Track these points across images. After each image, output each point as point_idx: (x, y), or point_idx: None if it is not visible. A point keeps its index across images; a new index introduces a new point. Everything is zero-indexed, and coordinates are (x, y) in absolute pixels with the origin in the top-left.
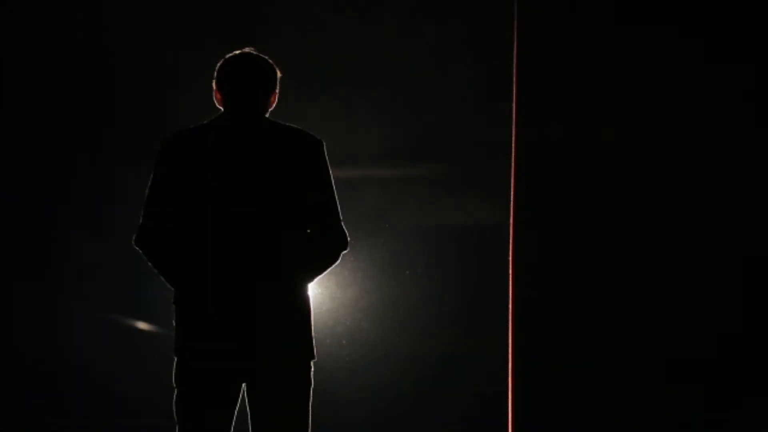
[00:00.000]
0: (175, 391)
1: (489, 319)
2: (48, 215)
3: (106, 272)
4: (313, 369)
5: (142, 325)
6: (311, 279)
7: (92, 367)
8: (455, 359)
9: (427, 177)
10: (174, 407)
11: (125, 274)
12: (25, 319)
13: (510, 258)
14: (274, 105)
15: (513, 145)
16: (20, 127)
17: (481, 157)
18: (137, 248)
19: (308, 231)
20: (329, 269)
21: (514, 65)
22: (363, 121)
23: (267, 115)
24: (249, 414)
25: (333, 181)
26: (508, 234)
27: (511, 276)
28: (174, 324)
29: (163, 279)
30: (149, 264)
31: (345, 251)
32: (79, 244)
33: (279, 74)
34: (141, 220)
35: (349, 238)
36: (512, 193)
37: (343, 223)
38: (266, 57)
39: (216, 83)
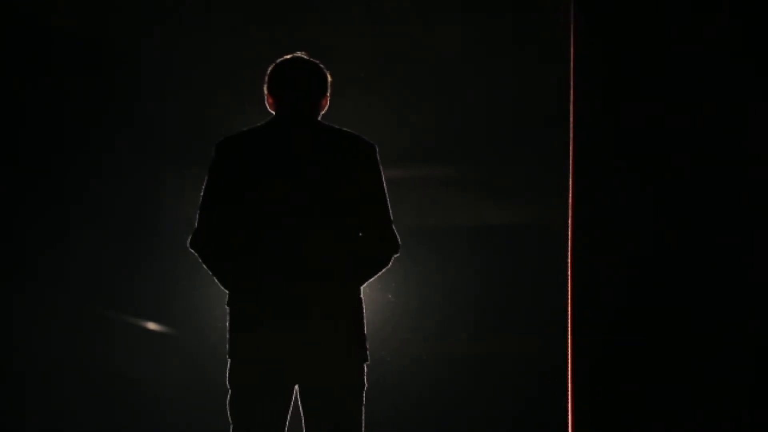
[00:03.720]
0: (229, 392)
1: (500, 319)
2: (50, 215)
3: (113, 272)
4: (366, 371)
5: (152, 326)
6: (363, 282)
7: (100, 369)
8: (470, 359)
9: (435, 177)
10: (228, 408)
11: (137, 275)
12: (32, 320)
13: (569, 258)
14: (325, 109)
15: (571, 142)
16: (19, 126)
17: (493, 157)
18: (192, 251)
19: (360, 234)
20: (381, 273)
21: (571, 62)
22: (368, 121)
23: (319, 119)
24: (302, 416)
25: (385, 186)
26: (522, 234)
27: (570, 277)
28: (227, 326)
29: (216, 281)
30: (204, 267)
31: (396, 255)
32: (87, 244)
33: (330, 78)
34: (196, 223)
35: (400, 242)
36: (570, 192)
37: (394, 227)
38: (317, 61)
39: (267, 87)
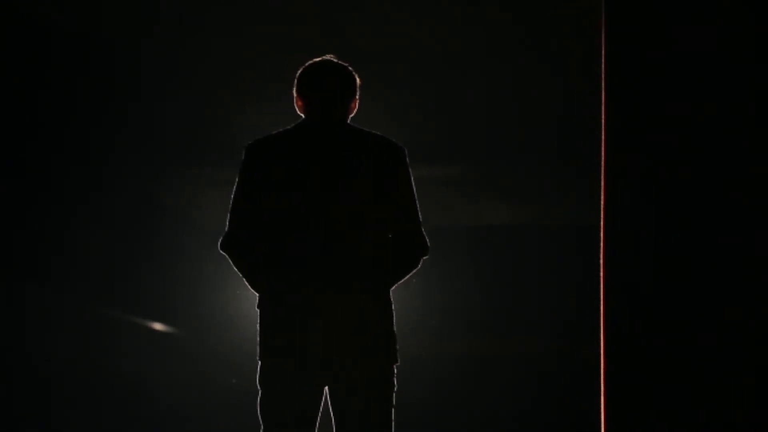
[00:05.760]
0: (260, 393)
1: (500, 319)
2: (50, 215)
3: (115, 272)
4: (396, 372)
5: (158, 326)
6: (392, 284)
7: (103, 368)
8: (469, 359)
9: (435, 177)
10: (258, 408)
11: (139, 275)
12: (33, 320)
13: (601, 260)
14: (354, 111)
15: (603, 144)
16: (19, 127)
17: (493, 157)
18: (223, 253)
19: (390, 236)
20: (410, 275)
21: (603, 57)
22: (368, 122)
23: (348, 122)
24: (332, 417)
25: (414, 188)
26: (531, 234)
27: (602, 277)
28: (258, 328)
29: (246, 283)
30: (234, 268)
31: (425, 257)
32: (88, 244)
33: (359, 81)
34: (227, 226)
35: (429, 244)
36: (602, 192)
37: (423, 230)
38: (346, 64)
39: (297, 90)
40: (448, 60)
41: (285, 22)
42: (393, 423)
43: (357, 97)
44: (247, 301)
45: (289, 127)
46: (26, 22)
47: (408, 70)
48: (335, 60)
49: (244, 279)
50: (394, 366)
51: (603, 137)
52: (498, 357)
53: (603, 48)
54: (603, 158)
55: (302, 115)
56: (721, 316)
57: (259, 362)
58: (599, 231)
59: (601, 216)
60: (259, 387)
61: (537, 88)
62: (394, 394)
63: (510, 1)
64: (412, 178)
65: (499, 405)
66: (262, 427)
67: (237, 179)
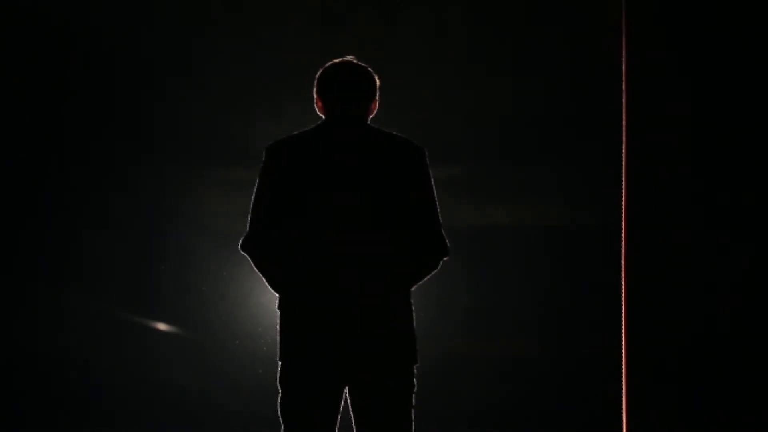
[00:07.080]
0: (280, 394)
1: (501, 320)
2: (57, 213)
3: (121, 271)
4: (415, 373)
5: (161, 326)
6: (412, 285)
7: (110, 369)
8: (469, 359)
9: (436, 178)
10: (279, 409)
11: (146, 275)
12: (44, 319)
13: (623, 260)
14: (374, 112)
15: (624, 146)
16: (23, 123)
17: (495, 158)
18: (243, 253)
19: (410, 237)
20: (429, 276)
21: (623, 64)
22: (376, 122)
23: (368, 122)
24: (352, 417)
25: (434, 189)
26: (531, 235)
27: (624, 279)
28: (278, 328)
29: (267, 284)
30: (255, 269)
31: (446, 258)
32: (96, 245)
33: (378, 82)
34: (247, 227)
35: (449, 245)
36: (624, 194)
37: (443, 231)
38: (366, 65)
39: (317, 91)
40: (450, 60)
41: (288, 23)
42: (413, 423)
43: (377, 98)
44: (264, 299)
45: (308, 127)
46: (29, 23)
47: (409, 69)
48: (355, 61)
49: (264, 280)
50: (414, 366)
51: (624, 139)
52: (498, 357)
53: (624, 50)
54: (624, 159)
55: (322, 116)
56: (720, 316)
57: (280, 363)
58: (604, 231)
59: (623, 217)
60: (279, 387)
61: (537, 88)
62: (414, 395)
63: (511, 1)
64: (432, 179)
65: (499, 405)
66: (282, 427)
67: (257, 180)
